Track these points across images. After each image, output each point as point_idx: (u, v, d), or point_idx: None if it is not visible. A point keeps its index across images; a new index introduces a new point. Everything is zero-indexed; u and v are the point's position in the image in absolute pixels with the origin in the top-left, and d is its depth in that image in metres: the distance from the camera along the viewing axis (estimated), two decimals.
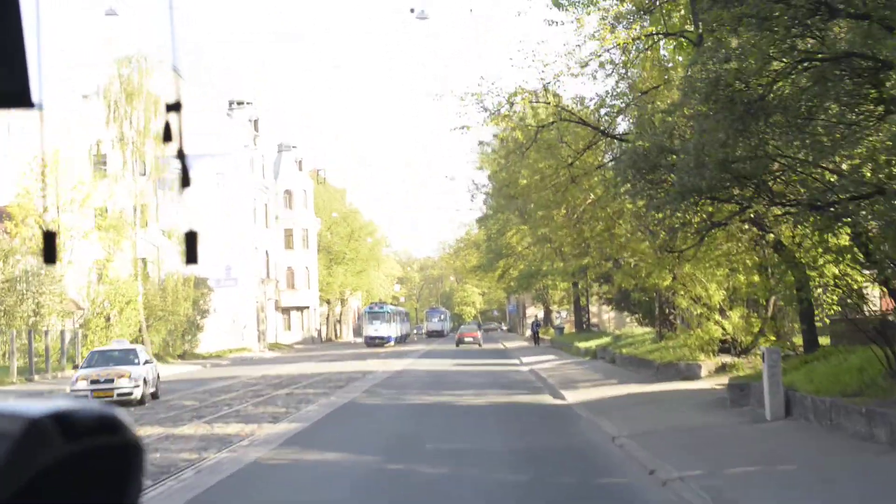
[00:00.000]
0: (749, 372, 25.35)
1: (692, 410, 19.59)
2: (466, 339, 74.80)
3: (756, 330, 26.91)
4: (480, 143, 33.86)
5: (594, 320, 68.42)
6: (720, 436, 15.75)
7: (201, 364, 57.04)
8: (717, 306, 27.15)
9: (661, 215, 15.63)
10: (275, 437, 18.42)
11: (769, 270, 25.24)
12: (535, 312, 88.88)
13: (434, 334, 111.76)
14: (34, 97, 1.66)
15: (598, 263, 31.27)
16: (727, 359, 26.74)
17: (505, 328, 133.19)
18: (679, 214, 14.67)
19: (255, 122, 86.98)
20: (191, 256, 2.13)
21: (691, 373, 26.47)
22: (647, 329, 42.84)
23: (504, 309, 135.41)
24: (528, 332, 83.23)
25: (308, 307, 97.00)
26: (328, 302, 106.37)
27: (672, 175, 15.32)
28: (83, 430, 1.41)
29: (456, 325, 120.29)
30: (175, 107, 2.00)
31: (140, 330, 55.78)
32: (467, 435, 18.17)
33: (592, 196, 26.16)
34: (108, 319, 53.54)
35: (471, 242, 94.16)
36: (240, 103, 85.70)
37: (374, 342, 78.62)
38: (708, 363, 26.60)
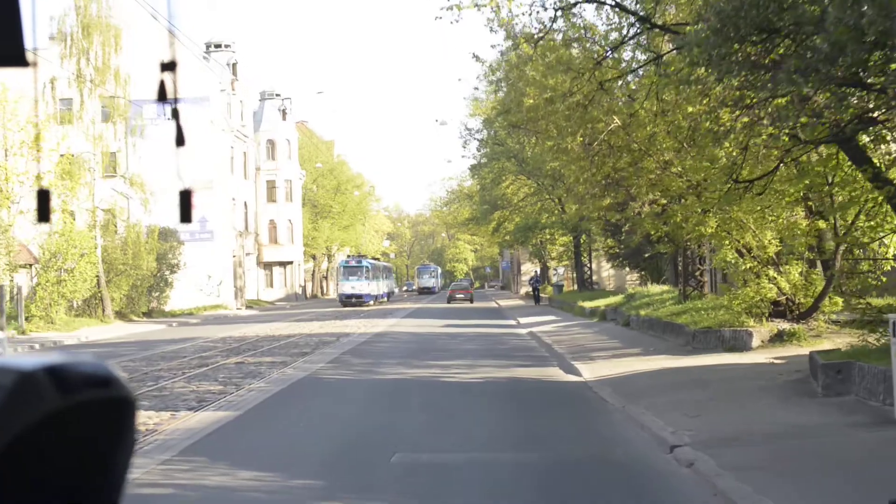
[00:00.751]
0: (814, 342, 20.03)
1: (767, 399, 14.17)
2: (458, 296, 76.33)
3: (818, 290, 21.53)
4: (474, 56, 28.09)
5: (594, 277, 63.34)
6: (839, 449, 10.31)
7: (167, 323, 52.03)
8: (771, 259, 21.69)
9: (763, 112, 10.09)
10: (182, 435, 13.01)
11: (833, 215, 19.90)
12: (531, 269, 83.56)
13: (425, 291, 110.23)
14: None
15: (614, 204, 25.77)
16: (783, 325, 21.34)
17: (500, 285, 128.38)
18: (813, 88, 8.96)
19: (234, 65, 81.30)
20: (185, 215, 2.09)
21: (739, 342, 21.03)
22: (664, 287, 37.52)
23: (497, 266, 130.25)
24: (525, 290, 78.41)
25: (292, 262, 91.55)
26: (314, 257, 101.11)
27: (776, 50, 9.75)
28: (76, 383, 1.36)
29: (447, 282, 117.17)
30: (170, 66, 1.99)
31: (98, 285, 50.67)
32: (455, 435, 12.81)
33: (617, 121, 20.58)
34: (61, 273, 48.22)
35: (463, 195, 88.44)
36: (217, 46, 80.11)
37: (350, 301, 70.62)
38: (761, 330, 21.14)
